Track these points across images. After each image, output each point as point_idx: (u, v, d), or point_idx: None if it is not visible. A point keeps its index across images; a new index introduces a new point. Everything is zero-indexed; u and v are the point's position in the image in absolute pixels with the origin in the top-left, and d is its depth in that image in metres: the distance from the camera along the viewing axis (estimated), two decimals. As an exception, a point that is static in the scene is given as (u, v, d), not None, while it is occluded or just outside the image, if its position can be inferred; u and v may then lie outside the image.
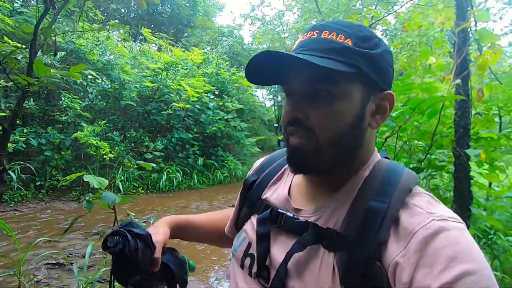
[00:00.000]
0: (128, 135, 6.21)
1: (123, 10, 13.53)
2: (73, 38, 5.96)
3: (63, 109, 5.37)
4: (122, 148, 5.76)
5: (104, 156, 5.27)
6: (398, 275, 0.37)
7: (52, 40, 2.06)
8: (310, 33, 0.45)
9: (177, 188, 6.25)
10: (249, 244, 0.54)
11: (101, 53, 6.59)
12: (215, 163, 7.25)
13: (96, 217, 3.91)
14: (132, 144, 6.20)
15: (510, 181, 2.39)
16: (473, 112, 1.80)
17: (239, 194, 0.65)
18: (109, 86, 5.80)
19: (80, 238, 3.49)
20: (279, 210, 0.52)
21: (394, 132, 1.77)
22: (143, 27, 9.11)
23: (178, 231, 0.66)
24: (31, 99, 5.11)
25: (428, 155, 1.87)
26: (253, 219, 0.55)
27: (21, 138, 4.70)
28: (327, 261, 0.43)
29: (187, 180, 6.52)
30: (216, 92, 7.78)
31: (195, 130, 6.92)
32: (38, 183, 4.98)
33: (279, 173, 0.60)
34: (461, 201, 1.70)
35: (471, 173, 1.73)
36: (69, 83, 5.49)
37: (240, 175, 7.55)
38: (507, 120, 2.12)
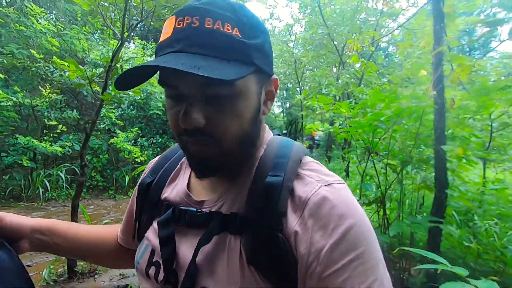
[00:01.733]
0: (155, 140, 6.88)
1: (139, 25, 14.50)
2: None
3: (101, 118, 6.09)
4: (151, 152, 6.41)
5: (136, 159, 5.93)
6: (298, 243, 0.39)
7: (119, 65, 2.68)
8: (188, 19, 0.38)
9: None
10: (153, 251, 0.50)
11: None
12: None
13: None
14: (158, 149, 6.85)
15: (495, 177, 2.83)
16: (448, 116, 2.29)
17: (132, 200, 0.60)
18: (139, 97, 6.49)
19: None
20: (181, 207, 0.49)
21: (387, 132, 2.27)
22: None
23: (48, 237, 0.55)
24: (74, 110, 5.85)
25: (415, 150, 2.35)
26: (155, 224, 0.50)
27: (67, 144, 5.42)
28: (234, 246, 0.42)
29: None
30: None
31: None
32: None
33: (176, 169, 0.56)
34: (440, 186, 2.17)
35: (454, 167, 2.21)
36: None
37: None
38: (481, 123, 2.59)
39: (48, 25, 5.63)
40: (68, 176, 5.49)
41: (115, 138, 5.84)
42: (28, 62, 5.33)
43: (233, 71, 0.37)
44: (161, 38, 0.41)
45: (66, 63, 2.17)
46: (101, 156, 5.89)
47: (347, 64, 9.23)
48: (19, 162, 4.88)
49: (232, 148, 0.43)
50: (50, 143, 5.16)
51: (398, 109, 2.05)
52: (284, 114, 19.59)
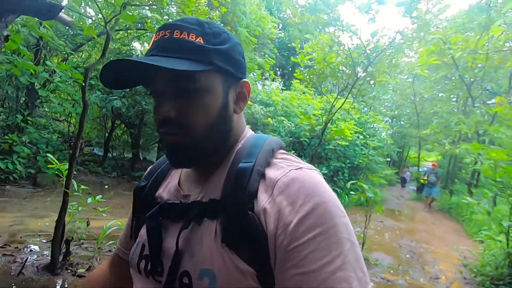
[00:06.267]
0: (300, 161, 8.92)
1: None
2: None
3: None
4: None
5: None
6: (267, 219, 0.42)
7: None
8: (162, 32, 0.47)
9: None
10: (143, 246, 0.53)
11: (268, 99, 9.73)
12: (358, 188, 9.13)
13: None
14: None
15: None
16: None
17: (131, 209, 0.63)
18: (294, 127, 8.64)
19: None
20: (168, 202, 0.53)
21: None
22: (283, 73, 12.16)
23: None
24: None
25: None
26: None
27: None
28: (209, 228, 0.46)
29: (340, 198, 8.60)
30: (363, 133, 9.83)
31: (348, 161, 9.07)
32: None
33: (169, 171, 0.62)
34: None
35: None
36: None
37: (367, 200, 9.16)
38: None
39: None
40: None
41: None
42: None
43: (187, 66, 0.44)
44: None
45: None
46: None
47: (479, 100, 9.33)
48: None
49: (199, 139, 0.48)
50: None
51: None
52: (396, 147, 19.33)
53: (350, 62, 4.57)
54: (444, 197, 9.96)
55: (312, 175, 0.46)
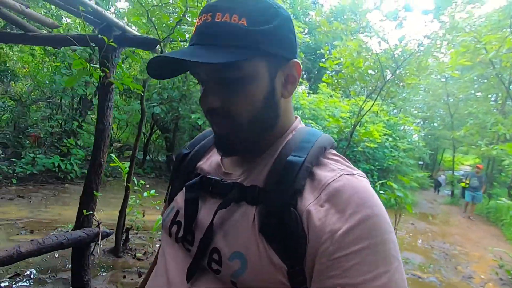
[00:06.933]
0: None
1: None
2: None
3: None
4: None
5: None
6: (310, 221, 0.41)
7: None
8: (204, 16, 0.45)
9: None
10: (177, 212, 0.55)
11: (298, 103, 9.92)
12: (387, 189, 9.07)
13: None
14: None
15: None
16: None
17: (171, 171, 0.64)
18: (322, 130, 8.81)
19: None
20: (208, 176, 0.53)
21: None
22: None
23: None
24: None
25: None
26: (184, 189, 0.55)
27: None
28: (248, 213, 0.45)
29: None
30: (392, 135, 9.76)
31: (377, 164, 9.06)
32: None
33: (212, 144, 0.59)
34: None
35: None
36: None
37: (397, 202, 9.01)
38: None
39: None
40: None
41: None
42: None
43: (229, 56, 0.41)
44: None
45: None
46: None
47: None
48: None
49: (245, 128, 0.47)
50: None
51: None
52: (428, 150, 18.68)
53: (378, 66, 4.73)
54: (482, 201, 9.54)
55: (365, 185, 0.44)
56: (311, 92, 12.77)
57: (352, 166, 0.48)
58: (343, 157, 0.50)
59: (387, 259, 0.39)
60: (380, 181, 4.71)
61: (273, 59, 0.47)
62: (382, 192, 4.81)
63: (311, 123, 9.38)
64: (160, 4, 2.93)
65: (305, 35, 16.07)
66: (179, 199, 0.56)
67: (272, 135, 0.51)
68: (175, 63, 0.47)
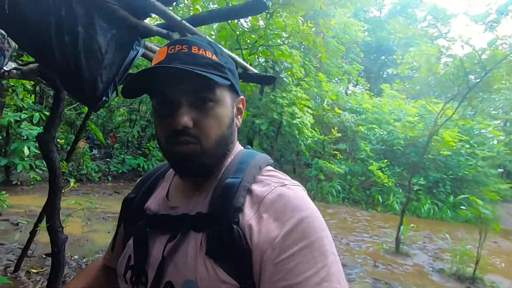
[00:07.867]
0: (393, 170, 8.58)
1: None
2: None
3: (360, 150, 8.50)
4: (392, 179, 8.15)
5: (384, 184, 7.83)
6: (253, 234, 0.44)
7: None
8: (178, 47, 0.49)
9: (426, 216, 7.78)
10: (129, 257, 0.54)
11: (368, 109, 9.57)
12: (464, 203, 8.24)
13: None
14: (396, 177, 8.50)
15: None
16: None
17: (118, 220, 0.64)
18: (386, 135, 8.45)
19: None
20: (157, 214, 0.55)
21: None
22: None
23: None
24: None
25: None
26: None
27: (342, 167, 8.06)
28: (195, 240, 0.47)
29: (439, 212, 7.94)
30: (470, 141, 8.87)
31: (450, 173, 8.34)
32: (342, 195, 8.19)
33: (158, 183, 0.62)
34: None
35: None
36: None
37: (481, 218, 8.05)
38: None
39: (327, 85, 8.67)
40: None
41: (370, 166, 8.02)
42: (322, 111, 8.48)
43: (218, 79, 0.48)
44: (153, 63, 0.51)
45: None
46: (359, 178, 8.21)
47: None
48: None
49: (211, 149, 0.50)
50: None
51: None
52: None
53: (461, 72, 4.40)
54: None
55: (296, 192, 0.48)
56: (369, 91, 12.22)
57: (287, 178, 0.53)
58: (279, 171, 0.55)
59: (323, 254, 0.42)
60: (461, 197, 4.37)
61: (233, 91, 0.55)
62: (464, 207, 4.44)
63: (375, 127, 9.03)
64: (249, 30, 3.22)
65: (365, 34, 15.35)
66: (131, 244, 0.56)
67: (222, 161, 0.55)
68: (145, 81, 0.50)
